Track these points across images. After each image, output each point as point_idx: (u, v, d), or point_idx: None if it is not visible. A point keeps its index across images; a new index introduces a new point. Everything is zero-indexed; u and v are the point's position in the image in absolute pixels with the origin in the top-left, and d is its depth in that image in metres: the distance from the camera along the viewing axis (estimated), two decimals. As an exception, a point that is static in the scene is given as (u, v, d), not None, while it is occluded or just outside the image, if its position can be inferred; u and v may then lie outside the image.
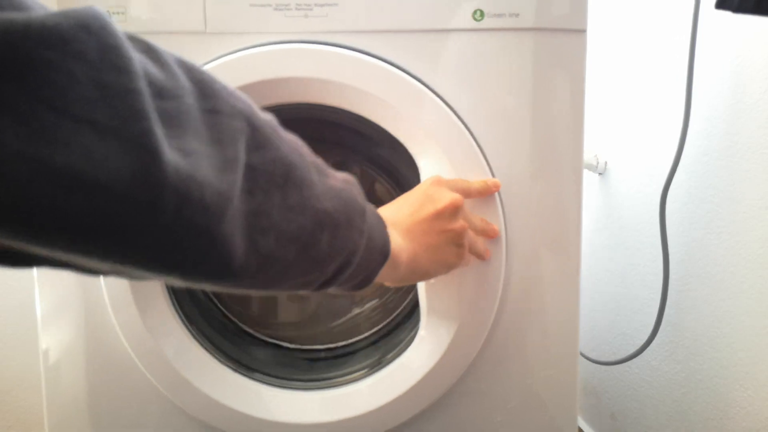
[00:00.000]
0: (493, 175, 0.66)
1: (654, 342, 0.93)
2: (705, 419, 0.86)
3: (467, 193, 0.63)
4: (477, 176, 0.65)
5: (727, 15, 0.71)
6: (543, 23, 0.65)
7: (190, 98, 0.30)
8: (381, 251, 0.46)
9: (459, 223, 0.57)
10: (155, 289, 0.68)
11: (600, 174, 1.19)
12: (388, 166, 0.78)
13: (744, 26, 0.78)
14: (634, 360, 1.02)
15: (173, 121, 0.28)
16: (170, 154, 0.27)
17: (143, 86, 0.27)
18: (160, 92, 0.28)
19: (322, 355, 0.82)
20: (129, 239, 0.28)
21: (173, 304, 0.70)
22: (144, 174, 0.26)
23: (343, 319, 0.86)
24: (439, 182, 0.59)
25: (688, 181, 0.89)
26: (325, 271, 0.41)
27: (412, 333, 0.72)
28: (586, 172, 1.21)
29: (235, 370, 0.71)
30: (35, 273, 0.69)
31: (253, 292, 0.39)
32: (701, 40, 0.84)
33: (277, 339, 0.83)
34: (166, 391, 0.69)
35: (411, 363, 0.69)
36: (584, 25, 0.66)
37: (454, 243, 0.57)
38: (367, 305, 0.86)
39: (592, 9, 0.97)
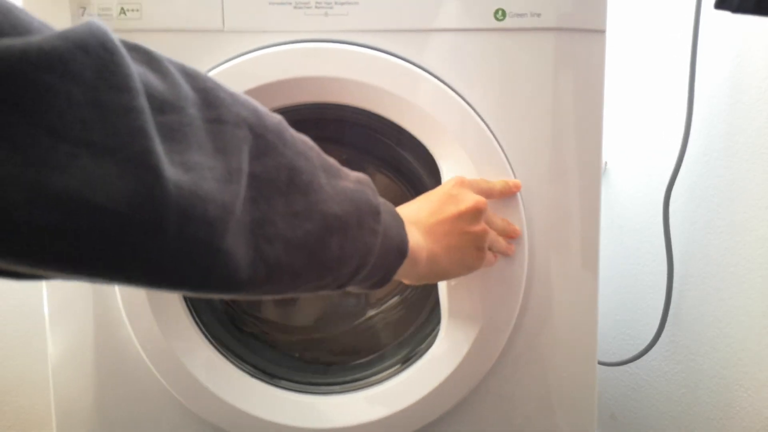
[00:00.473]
0: (514, 176, 0.66)
1: (657, 343, 0.94)
2: (705, 419, 0.87)
3: (489, 194, 0.62)
4: (499, 178, 0.65)
5: (726, 15, 0.71)
6: (564, 23, 0.64)
7: (192, 109, 0.30)
8: (398, 249, 0.46)
9: (481, 226, 0.56)
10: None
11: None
12: (407, 170, 0.77)
13: (744, 26, 0.78)
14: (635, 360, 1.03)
15: (175, 135, 0.28)
16: (171, 171, 0.27)
17: (143, 103, 0.27)
18: (161, 106, 0.28)
19: (340, 360, 0.82)
20: (132, 260, 0.27)
21: (188, 307, 0.69)
22: (145, 194, 0.26)
23: (363, 318, 0.85)
24: (461, 183, 0.58)
25: (688, 182, 0.89)
26: (339, 274, 0.40)
27: (434, 332, 0.72)
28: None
29: (254, 376, 0.70)
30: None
31: (269, 297, 0.40)
32: (701, 40, 0.84)
33: (293, 344, 0.83)
34: (180, 395, 0.68)
35: (432, 365, 0.69)
36: (603, 25, 0.66)
37: (475, 246, 0.56)
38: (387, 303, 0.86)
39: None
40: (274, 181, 0.34)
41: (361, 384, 0.72)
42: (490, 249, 0.61)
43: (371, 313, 0.85)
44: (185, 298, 0.69)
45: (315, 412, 0.68)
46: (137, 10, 0.65)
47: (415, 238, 0.50)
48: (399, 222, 0.47)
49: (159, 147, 0.27)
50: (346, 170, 0.42)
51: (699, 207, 0.87)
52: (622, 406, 1.08)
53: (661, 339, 0.92)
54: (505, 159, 0.66)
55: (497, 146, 0.65)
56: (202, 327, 0.70)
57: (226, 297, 0.36)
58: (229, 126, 0.32)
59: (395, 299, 0.85)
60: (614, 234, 1.11)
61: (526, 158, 0.67)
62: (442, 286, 0.68)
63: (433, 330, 0.73)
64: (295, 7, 0.63)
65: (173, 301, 0.67)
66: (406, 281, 0.54)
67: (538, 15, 0.64)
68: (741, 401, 0.79)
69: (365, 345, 0.83)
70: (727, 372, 0.82)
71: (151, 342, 0.67)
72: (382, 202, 0.45)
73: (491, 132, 0.65)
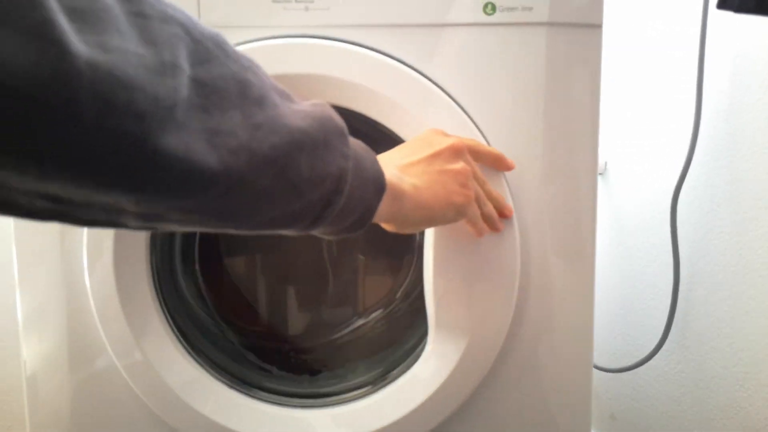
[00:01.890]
0: (506, 177, 0.63)
1: (661, 349, 0.91)
2: (706, 419, 0.86)
3: (476, 152, 0.58)
4: (489, 180, 0.61)
5: (728, 15, 0.70)
6: (557, 17, 0.61)
7: (109, 0, 0.26)
8: (374, 182, 0.42)
9: (460, 165, 0.52)
10: (144, 296, 0.64)
11: (600, 174, 1.17)
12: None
13: (744, 26, 0.77)
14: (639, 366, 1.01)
15: (87, 17, 0.25)
16: (83, 48, 0.24)
17: None
18: None
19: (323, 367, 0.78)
20: (50, 150, 0.24)
21: (163, 312, 0.66)
22: (50, 70, 0.22)
23: (347, 329, 0.82)
24: (437, 131, 0.55)
25: (689, 182, 0.88)
26: (312, 201, 0.37)
27: (419, 347, 0.69)
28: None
29: (232, 387, 0.67)
30: (16, 275, 0.65)
31: (232, 229, 0.36)
32: (697, 42, 0.82)
33: (275, 352, 0.80)
34: (154, 407, 0.65)
35: (418, 380, 0.65)
36: (600, 19, 0.63)
37: (457, 182, 0.51)
38: (372, 315, 0.83)
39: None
40: (223, 90, 0.31)
41: (338, 399, 0.69)
42: (481, 209, 0.56)
43: (360, 322, 0.82)
44: (161, 304, 0.66)
45: (290, 426, 0.65)
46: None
47: (393, 172, 0.46)
48: (371, 155, 0.43)
49: (63, 21, 0.23)
50: (298, 98, 0.39)
51: (699, 207, 0.86)
52: (622, 407, 1.08)
53: (665, 344, 0.90)
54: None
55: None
56: (179, 334, 0.67)
57: (180, 213, 0.31)
58: (155, 21, 0.28)
59: (380, 312, 0.82)
60: (614, 234, 1.10)
61: (519, 159, 0.63)
62: (429, 294, 0.64)
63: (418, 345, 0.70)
64: (273, 1, 0.60)
65: (148, 308, 0.64)
66: (389, 227, 0.50)
67: (530, 9, 0.61)
68: (741, 401, 0.79)
69: (350, 357, 0.80)
70: (727, 372, 0.81)
71: (124, 349, 0.64)
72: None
73: (480, 132, 0.62)
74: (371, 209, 0.42)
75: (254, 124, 0.32)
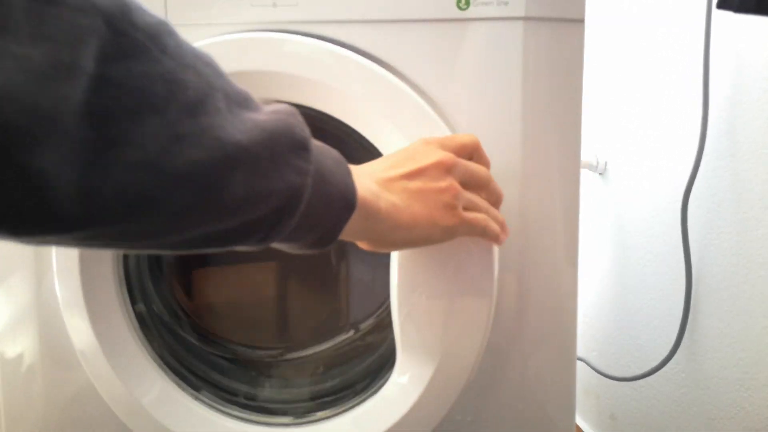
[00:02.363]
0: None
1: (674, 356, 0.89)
2: (706, 419, 0.85)
3: (459, 150, 0.51)
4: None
5: (728, 15, 0.69)
6: (535, 12, 0.59)
7: None
8: (343, 198, 0.38)
9: (446, 182, 0.46)
10: (111, 303, 0.62)
11: (600, 174, 1.15)
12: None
13: (745, 26, 0.76)
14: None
15: None
16: None
17: None
18: None
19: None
20: None
21: (130, 320, 0.64)
22: None
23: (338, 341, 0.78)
24: (426, 141, 0.49)
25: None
26: (252, 220, 0.33)
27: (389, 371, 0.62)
28: (586, 172, 1.17)
29: (208, 404, 0.65)
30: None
31: (156, 249, 0.33)
32: (699, 41, 0.81)
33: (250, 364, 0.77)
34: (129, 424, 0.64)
35: (380, 408, 0.60)
36: (581, 14, 0.61)
37: (442, 203, 0.46)
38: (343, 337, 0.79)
39: (595, 4, 0.93)
40: (142, 92, 0.27)
41: (303, 421, 0.65)
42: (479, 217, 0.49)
43: (349, 334, 0.79)
44: (137, 319, 0.64)
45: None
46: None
47: (369, 187, 0.42)
48: (343, 168, 0.40)
49: None
50: (262, 105, 0.35)
51: (699, 207, 0.84)
52: (622, 407, 1.06)
53: (677, 352, 0.89)
54: (471, 160, 0.60)
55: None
56: (151, 350, 0.65)
57: (50, 238, 0.28)
58: (65, 9, 0.25)
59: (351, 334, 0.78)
60: (614, 234, 1.09)
61: (496, 160, 0.61)
62: (394, 314, 0.58)
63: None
64: (241, -2, 0.59)
65: (114, 314, 0.62)
66: (364, 246, 0.45)
67: (506, 3, 0.58)
68: (741, 401, 0.78)
69: (322, 375, 0.76)
70: (727, 372, 0.80)
71: (95, 363, 0.62)
72: (320, 145, 0.38)
73: (455, 131, 0.60)
74: (336, 228, 0.39)
75: (175, 134, 0.28)
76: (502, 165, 0.61)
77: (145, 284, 0.70)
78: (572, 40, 0.61)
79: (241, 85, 0.35)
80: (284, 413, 0.67)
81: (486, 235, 0.50)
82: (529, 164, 0.61)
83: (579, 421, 1.23)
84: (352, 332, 0.78)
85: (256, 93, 0.56)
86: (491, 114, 0.60)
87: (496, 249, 0.57)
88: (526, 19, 0.59)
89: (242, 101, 0.33)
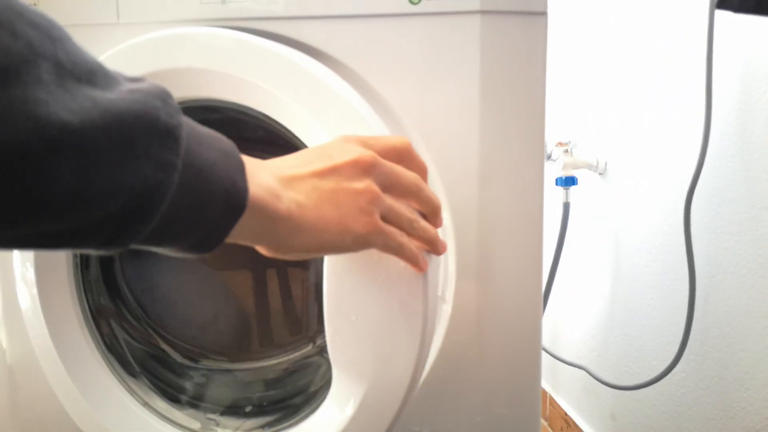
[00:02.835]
0: (441, 179, 0.58)
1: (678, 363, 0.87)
2: (705, 419, 0.84)
3: (384, 152, 0.43)
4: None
5: (729, 15, 0.68)
6: (491, 5, 0.57)
7: None
8: (227, 198, 0.33)
9: (363, 183, 0.40)
10: (68, 311, 0.62)
11: (600, 174, 1.11)
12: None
13: (746, 26, 0.74)
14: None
15: None
16: None
17: None
18: None
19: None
20: None
21: (88, 327, 0.64)
22: None
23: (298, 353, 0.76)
24: (346, 138, 0.43)
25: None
26: (93, 220, 0.28)
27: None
28: (586, 173, 1.14)
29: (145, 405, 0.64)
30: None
31: None
32: (701, 40, 0.79)
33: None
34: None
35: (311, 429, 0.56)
36: (543, 6, 0.58)
37: (356, 206, 0.40)
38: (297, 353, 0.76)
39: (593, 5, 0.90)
40: None
41: None
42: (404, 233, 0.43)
43: (308, 348, 0.77)
44: (86, 319, 0.64)
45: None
46: (35, 4, 0.61)
47: (267, 185, 0.36)
48: (234, 162, 0.34)
49: None
50: (127, 82, 0.30)
51: (699, 207, 0.82)
52: (622, 406, 1.05)
53: (681, 360, 0.86)
54: (429, 161, 0.58)
55: (419, 146, 0.58)
56: (106, 350, 0.65)
57: None
58: None
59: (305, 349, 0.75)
60: (614, 234, 1.06)
61: (453, 160, 0.59)
62: (326, 331, 0.51)
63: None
64: (190, -5, 0.58)
65: (71, 323, 0.62)
66: (264, 251, 0.40)
67: (461, -4, 0.56)
68: (741, 401, 0.77)
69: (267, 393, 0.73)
70: (727, 372, 0.79)
71: (51, 368, 0.61)
72: (206, 134, 0.33)
73: (404, 132, 0.58)
74: (219, 232, 0.34)
75: None
76: (459, 165, 0.59)
77: (99, 281, 0.70)
78: (534, 33, 0.58)
79: (164, 84, 0.31)
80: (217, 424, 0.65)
81: (400, 255, 0.43)
82: (488, 163, 0.59)
83: (579, 421, 1.21)
84: (310, 346, 0.75)
85: (180, 92, 0.54)
86: (446, 112, 0.58)
87: (453, 243, 0.54)
88: (483, 12, 0.57)
89: (84, 74, 0.27)
